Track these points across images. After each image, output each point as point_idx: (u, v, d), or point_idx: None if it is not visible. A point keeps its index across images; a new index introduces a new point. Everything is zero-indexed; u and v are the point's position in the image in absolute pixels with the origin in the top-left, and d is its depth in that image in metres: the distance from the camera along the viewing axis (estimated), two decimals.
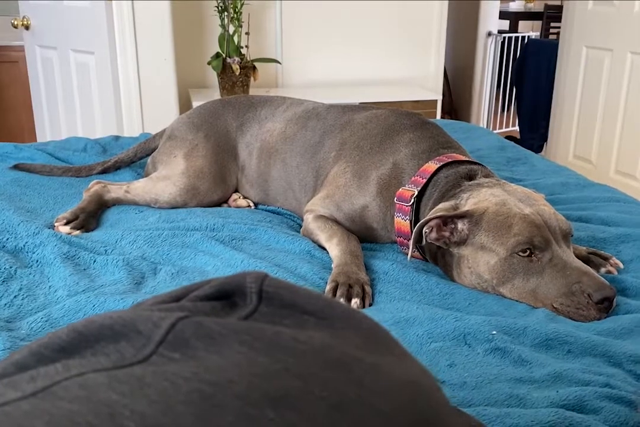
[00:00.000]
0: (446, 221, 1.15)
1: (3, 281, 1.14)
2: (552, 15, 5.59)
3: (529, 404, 0.81)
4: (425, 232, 1.15)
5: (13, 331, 0.97)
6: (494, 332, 0.98)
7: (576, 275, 1.07)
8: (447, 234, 1.16)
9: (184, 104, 2.96)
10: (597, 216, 1.50)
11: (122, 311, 0.39)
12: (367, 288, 1.15)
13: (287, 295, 0.42)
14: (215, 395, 0.31)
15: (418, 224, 1.16)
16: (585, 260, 1.23)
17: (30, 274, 1.18)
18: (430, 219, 1.15)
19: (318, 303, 0.42)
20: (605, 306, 1.06)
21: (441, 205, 1.19)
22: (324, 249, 1.32)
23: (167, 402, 0.31)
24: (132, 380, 0.32)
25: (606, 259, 1.26)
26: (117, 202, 1.58)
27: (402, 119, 1.42)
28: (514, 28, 5.94)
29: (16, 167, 1.75)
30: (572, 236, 1.16)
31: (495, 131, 4.54)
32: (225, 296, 0.42)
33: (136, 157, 1.79)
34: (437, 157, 1.30)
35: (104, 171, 1.76)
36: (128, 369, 0.33)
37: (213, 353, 0.35)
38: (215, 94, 2.90)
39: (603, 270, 1.23)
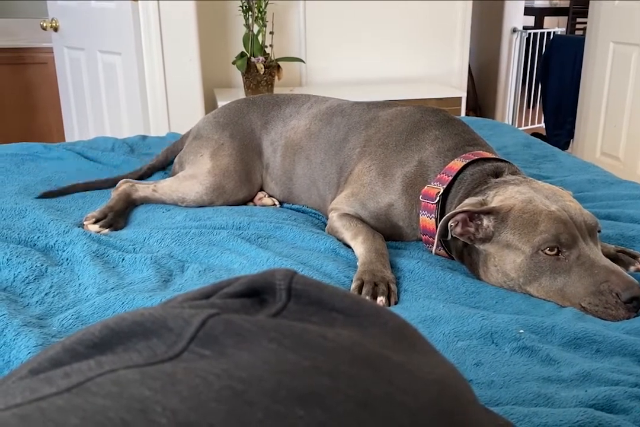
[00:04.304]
0: (472, 216, 1.14)
1: (34, 279, 1.16)
2: (578, 11, 5.52)
3: (557, 404, 0.80)
4: (451, 226, 1.15)
5: (44, 327, 0.99)
6: (521, 331, 0.97)
7: (604, 274, 1.06)
8: (472, 229, 1.15)
9: (209, 104, 2.98)
10: (625, 214, 1.48)
11: (153, 307, 0.40)
12: (393, 286, 1.14)
13: (315, 292, 0.42)
14: (245, 392, 0.31)
15: (444, 218, 1.16)
16: (614, 258, 1.21)
17: (60, 272, 1.20)
18: (456, 213, 1.14)
19: (346, 301, 0.42)
20: (635, 305, 1.04)
21: (468, 200, 1.18)
22: (349, 247, 1.32)
23: (199, 399, 0.31)
24: (163, 376, 0.32)
25: (635, 257, 1.24)
26: (145, 201, 1.59)
27: (428, 116, 1.42)
28: (539, 24, 5.88)
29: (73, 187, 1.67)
30: (599, 231, 1.14)
31: (520, 128, 4.49)
32: (255, 293, 0.42)
33: (167, 161, 1.80)
34: (463, 155, 1.29)
35: (140, 179, 1.72)
36: (159, 365, 0.34)
37: (243, 350, 0.35)
38: (240, 93, 2.91)
39: (632, 268, 1.22)
